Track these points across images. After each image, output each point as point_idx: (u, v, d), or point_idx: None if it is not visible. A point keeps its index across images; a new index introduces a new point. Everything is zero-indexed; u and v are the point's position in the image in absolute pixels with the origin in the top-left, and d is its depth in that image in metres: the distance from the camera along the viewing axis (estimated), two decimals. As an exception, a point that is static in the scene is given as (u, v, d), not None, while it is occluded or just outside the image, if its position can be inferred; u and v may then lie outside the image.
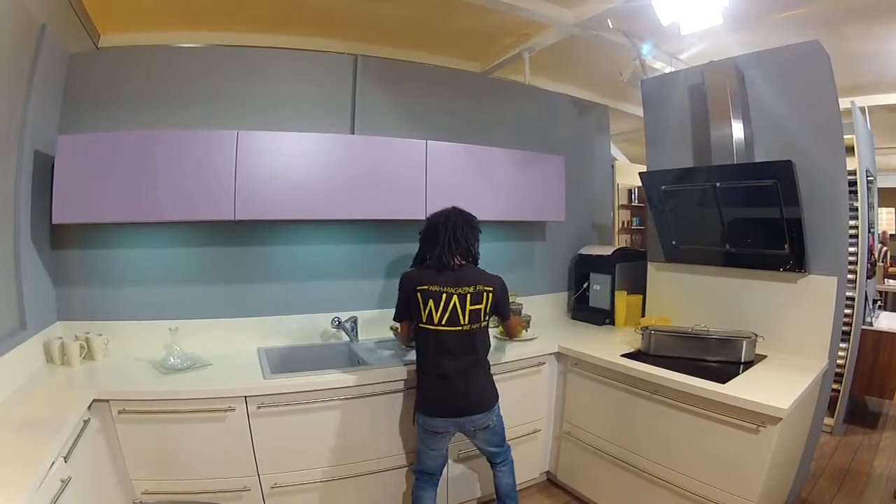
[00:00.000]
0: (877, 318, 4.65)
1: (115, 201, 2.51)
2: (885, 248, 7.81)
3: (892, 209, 9.66)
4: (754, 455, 2.19)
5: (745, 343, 2.67)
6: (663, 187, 3.14)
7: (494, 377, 2.56)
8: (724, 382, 2.34)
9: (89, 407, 2.14)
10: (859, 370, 4.19)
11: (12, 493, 1.40)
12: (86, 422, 2.09)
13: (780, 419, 2.10)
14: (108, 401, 2.22)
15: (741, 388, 2.28)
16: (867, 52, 4.29)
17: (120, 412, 2.23)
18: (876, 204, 5.07)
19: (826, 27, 3.64)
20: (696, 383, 2.36)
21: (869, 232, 4.45)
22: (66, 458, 1.80)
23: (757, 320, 2.91)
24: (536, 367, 3.09)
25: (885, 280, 6.70)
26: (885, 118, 5.93)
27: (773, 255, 2.87)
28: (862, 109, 5.22)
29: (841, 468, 3.62)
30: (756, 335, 2.73)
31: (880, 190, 8.84)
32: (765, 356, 2.75)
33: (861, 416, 4.59)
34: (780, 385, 2.34)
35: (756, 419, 2.16)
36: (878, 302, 5.29)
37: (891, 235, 8.31)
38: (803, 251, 2.73)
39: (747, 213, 2.96)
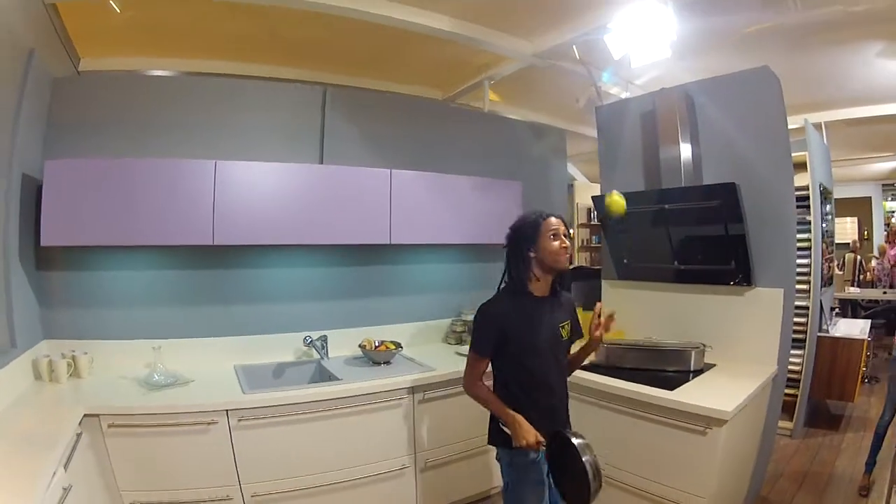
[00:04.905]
0: (834, 325, 4.83)
1: (101, 225, 2.63)
2: (857, 256, 8.07)
3: (856, 218, 10.00)
4: (704, 455, 2.35)
5: (693, 353, 2.84)
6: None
7: (448, 393, 2.76)
8: (672, 389, 2.51)
9: (80, 422, 2.21)
10: (817, 375, 4.36)
11: (22, 500, 1.51)
12: (78, 435, 2.17)
13: (726, 421, 2.27)
14: (98, 415, 2.31)
15: (689, 395, 2.45)
16: (821, 72, 4.52)
17: (109, 426, 2.33)
18: (833, 215, 5.26)
19: (779, 51, 3.86)
20: (646, 391, 2.53)
21: (824, 243, 4.65)
22: (65, 468, 1.89)
23: (708, 332, 3.05)
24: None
25: (847, 288, 6.94)
26: (843, 132, 6.18)
27: (720, 270, 3.04)
28: (819, 125, 5.45)
29: (801, 468, 3.76)
30: (704, 345, 2.91)
31: (843, 200, 9.11)
32: (714, 364, 2.93)
33: (823, 419, 4.73)
34: (725, 390, 2.51)
35: (702, 422, 2.33)
36: (836, 310, 5.48)
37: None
38: (748, 265, 2.92)
39: (694, 232, 3.14)
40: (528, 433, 1.90)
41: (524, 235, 2.06)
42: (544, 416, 1.99)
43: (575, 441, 1.85)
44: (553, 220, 2.07)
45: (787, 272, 3.00)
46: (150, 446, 2.41)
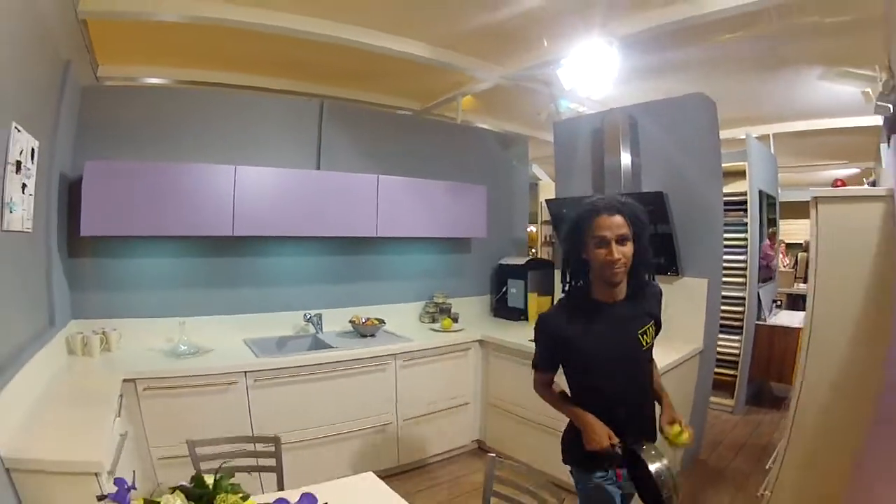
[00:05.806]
0: (775, 315, 5.35)
1: (135, 218, 2.97)
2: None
3: (807, 220, 10.37)
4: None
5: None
6: (565, 211, 3.72)
7: (423, 361, 3.29)
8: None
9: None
10: (756, 359, 4.86)
11: (96, 439, 1.82)
12: (120, 396, 2.46)
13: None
14: (134, 380, 2.66)
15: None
16: (768, 92, 4.92)
17: (145, 389, 2.70)
18: (777, 217, 5.77)
19: (728, 75, 4.30)
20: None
21: (777, 242, 5.06)
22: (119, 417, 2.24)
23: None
24: (463, 352, 3.86)
25: (796, 285, 7.43)
26: (790, 142, 6.63)
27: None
28: (766, 137, 5.94)
29: (740, 440, 4.24)
30: (637, 323, 3.42)
31: (802, 203, 9.42)
32: (647, 340, 3.44)
33: (766, 400, 5.22)
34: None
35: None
36: (777, 302, 5.98)
37: (787, 245, 8.81)
38: (675, 259, 3.44)
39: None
40: (600, 433, 1.66)
41: (575, 235, 1.74)
42: (620, 427, 1.71)
43: (642, 453, 1.65)
44: (604, 219, 1.64)
45: (713, 265, 3.50)
46: (179, 405, 2.80)
